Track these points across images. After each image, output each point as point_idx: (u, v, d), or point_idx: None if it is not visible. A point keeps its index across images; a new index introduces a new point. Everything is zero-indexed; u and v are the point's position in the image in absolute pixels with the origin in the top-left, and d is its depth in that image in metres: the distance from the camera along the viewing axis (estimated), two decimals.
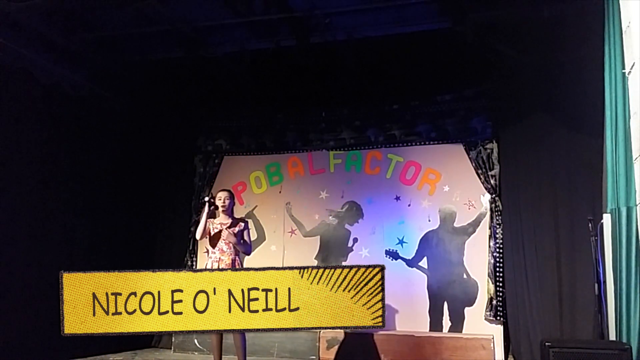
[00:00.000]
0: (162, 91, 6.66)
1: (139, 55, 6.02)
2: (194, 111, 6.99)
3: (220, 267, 4.46)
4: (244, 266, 4.75)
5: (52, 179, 5.80)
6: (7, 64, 5.17)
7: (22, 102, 5.38)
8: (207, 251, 6.66)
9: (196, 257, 6.78)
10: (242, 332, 4.41)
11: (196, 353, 6.08)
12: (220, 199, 4.68)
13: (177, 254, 6.77)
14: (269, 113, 6.82)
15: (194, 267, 6.71)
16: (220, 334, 4.50)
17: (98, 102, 6.34)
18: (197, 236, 4.67)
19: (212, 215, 4.68)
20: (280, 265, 6.24)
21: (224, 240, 4.59)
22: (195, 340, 6.11)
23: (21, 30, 5.19)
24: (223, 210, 4.68)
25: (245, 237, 4.75)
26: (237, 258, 4.63)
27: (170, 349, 6.26)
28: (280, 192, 6.72)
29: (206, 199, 4.65)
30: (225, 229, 4.61)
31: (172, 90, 6.64)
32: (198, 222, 6.67)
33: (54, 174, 5.82)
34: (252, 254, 5.20)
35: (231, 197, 4.78)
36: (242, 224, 4.74)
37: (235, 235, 4.62)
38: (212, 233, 4.64)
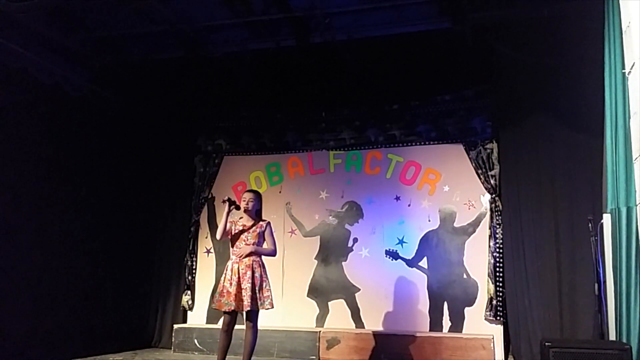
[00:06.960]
0: (162, 91, 6.65)
1: (139, 55, 6.02)
2: (194, 111, 6.98)
3: (239, 268, 4.35)
4: (265, 266, 4.54)
5: (51, 179, 5.81)
6: (7, 64, 5.17)
7: (22, 102, 5.39)
8: (208, 251, 6.74)
9: (196, 257, 6.77)
10: (254, 329, 4.35)
11: (196, 353, 6.07)
12: (244, 200, 4.55)
13: (177, 254, 6.77)
14: (269, 113, 6.81)
15: (194, 267, 6.72)
16: (229, 336, 4.36)
17: (98, 102, 6.35)
18: (218, 236, 4.52)
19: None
20: (279, 266, 6.26)
21: (244, 241, 4.46)
22: (195, 340, 6.11)
23: (21, 30, 5.19)
24: (246, 211, 4.54)
25: (267, 238, 4.54)
26: (258, 259, 4.46)
27: (170, 349, 6.26)
28: (280, 192, 6.71)
29: (226, 198, 4.50)
30: (246, 243, 4.48)
31: (172, 90, 6.63)
32: (198, 222, 6.83)
33: (53, 174, 5.83)
34: None
35: (256, 198, 4.60)
36: (263, 224, 4.56)
37: (257, 237, 4.49)
38: (233, 233, 4.51)
